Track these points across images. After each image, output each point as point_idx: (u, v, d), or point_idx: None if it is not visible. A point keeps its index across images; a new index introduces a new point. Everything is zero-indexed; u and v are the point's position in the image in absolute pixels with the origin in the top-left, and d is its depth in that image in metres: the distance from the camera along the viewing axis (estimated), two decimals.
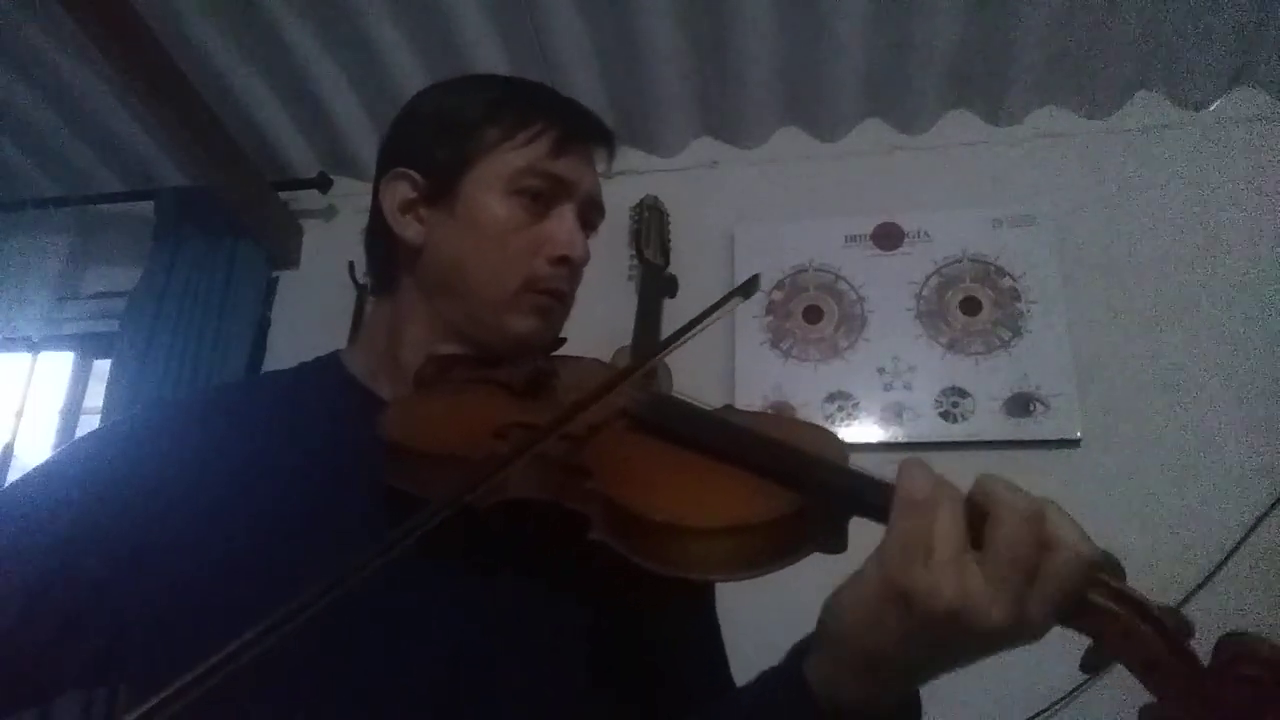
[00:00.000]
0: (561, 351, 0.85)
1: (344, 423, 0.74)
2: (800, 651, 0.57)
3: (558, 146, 0.78)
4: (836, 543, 0.56)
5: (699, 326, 0.68)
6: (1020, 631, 0.48)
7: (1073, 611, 0.49)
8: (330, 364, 0.85)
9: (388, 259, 0.83)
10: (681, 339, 0.68)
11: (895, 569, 0.48)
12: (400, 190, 0.80)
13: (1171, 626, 0.47)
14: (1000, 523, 0.48)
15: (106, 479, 0.71)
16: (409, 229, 0.80)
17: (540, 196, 0.78)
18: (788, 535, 0.54)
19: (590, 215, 0.83)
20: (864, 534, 0.54)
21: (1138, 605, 0.48)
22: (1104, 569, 0.50)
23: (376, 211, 0.82)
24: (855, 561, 0.52)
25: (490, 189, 0.78)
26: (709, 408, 0.71)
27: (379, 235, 0.83)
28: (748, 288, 0.72)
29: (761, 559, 0.53)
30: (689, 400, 0.72)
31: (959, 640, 0.48)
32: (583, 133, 0.82)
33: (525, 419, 0.66)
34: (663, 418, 0.65)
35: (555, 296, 0.80)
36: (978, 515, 0.49)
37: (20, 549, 0.67)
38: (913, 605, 0.47)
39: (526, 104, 0.80)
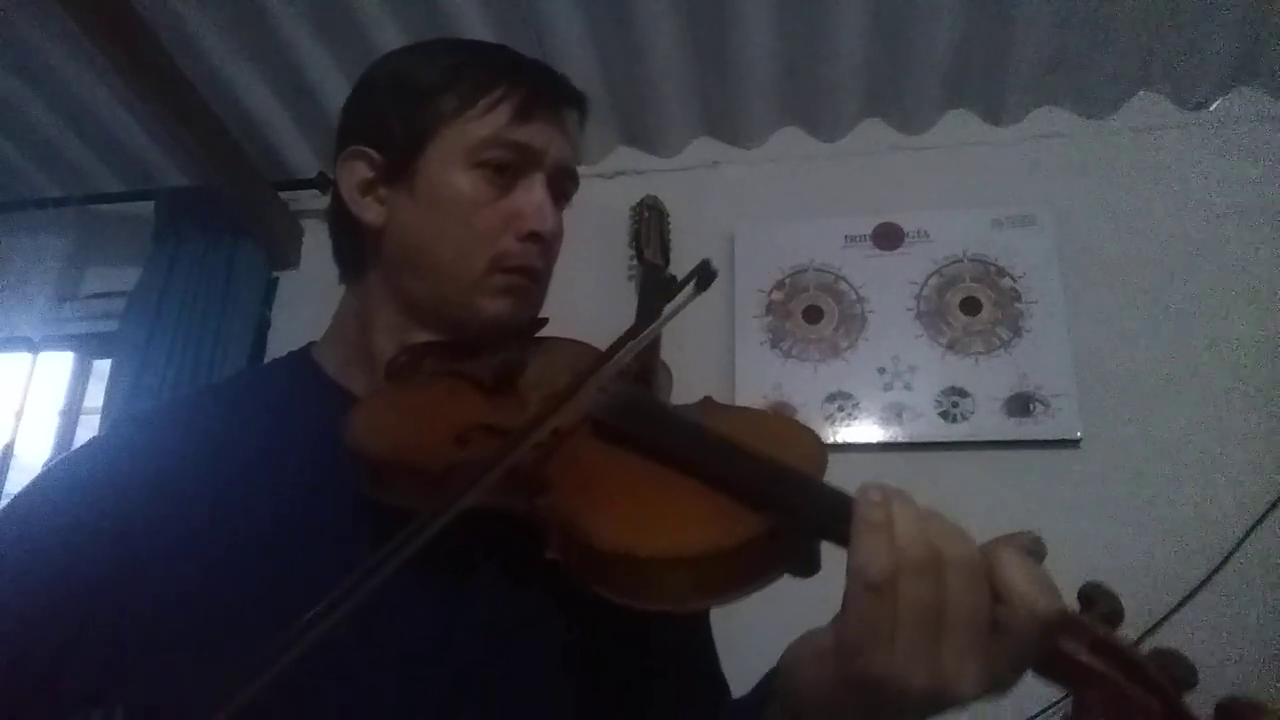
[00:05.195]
0: (544, 331, 0.81)
1: (317, 423, 0.70)
2: (762, 699, 0.55)
3: (522, 112, 0.73)
4: (807, 566, 0.52)
5: (657, 324, 0.63)
6: (997, 687, 0.46)
7: (1046, 666, 0.45)
8: (302, 359, 0.81)
9: (352, 243, 0.79)
10: (641, 338, 0.62)
11: (857, 659, 0.45)
12: (358, 170, 0.76)
13: (1166, 681, 0.43)
14: (949, 588, 0.44)
15: (90, 498, 0.68)
16: (369, 211, 0.76)
17: (506, 168, 0.73)
18: (752, 562, 0.50)
19: (562, 184, 0.78)
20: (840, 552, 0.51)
21: (1125, 659, 0.43)
22: (1092, 612, 0.46)
23: (337, 194, 0.78)
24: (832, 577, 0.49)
25: (451, 163, 0.73)
26: (685, 406, 0.69)
27: (341, 218, 0.78)
28: (704, 279, 0.63)
29: (722, 588, 0.49)
30: (661, 402, 0.68)
31: (932, 709, 0.46)
32: (549, 95, 0.76)
33: (490, 420, 0.63)
34: (628, 425, 0.61)
35: (527, 275, 0.75)
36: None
37: (12, 579, 0.65)
38: (880, 691, 0.45)
39: (486, 67, 0.75)
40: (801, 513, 0.50)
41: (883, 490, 0.48)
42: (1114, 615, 0.45)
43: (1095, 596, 0.46)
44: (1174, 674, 0.43)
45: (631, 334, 0.63)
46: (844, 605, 0.46)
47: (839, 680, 0.46)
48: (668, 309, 0.63)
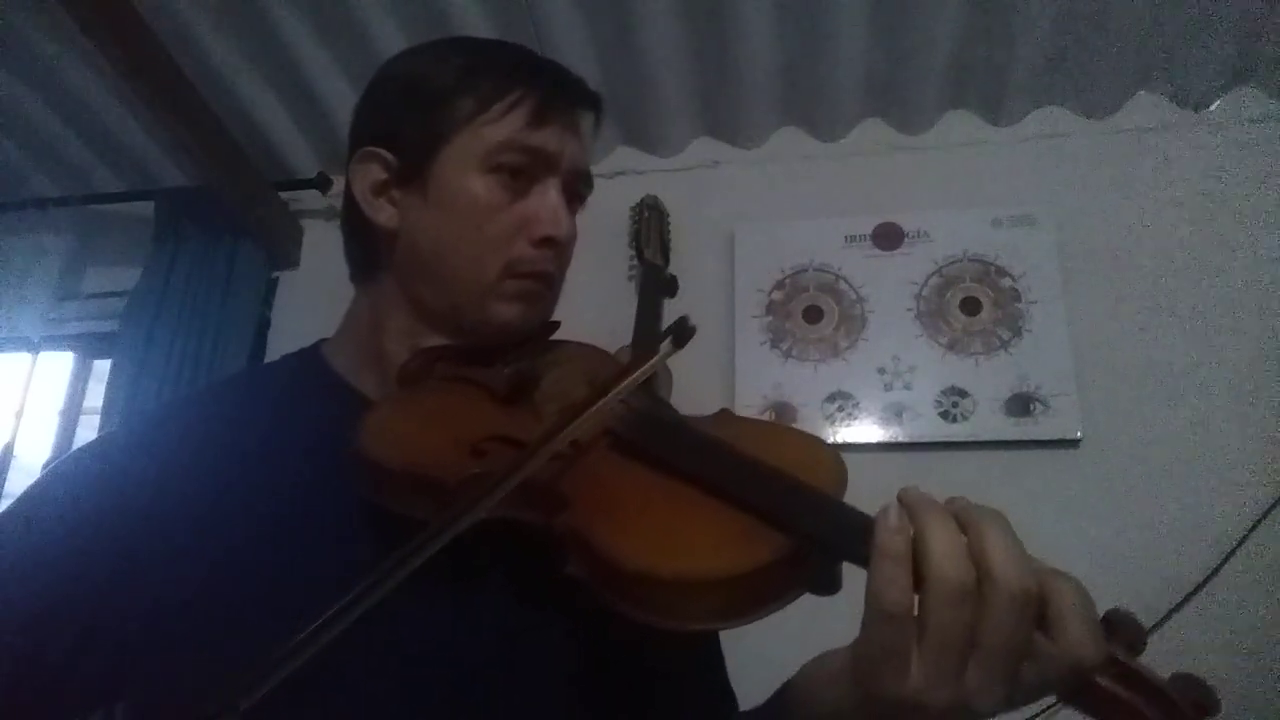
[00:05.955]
0: (557, 336, 0.81)
1: (324, 422, 0.69)
2: (774, 715, 0.54)
3: (537, 116, 0.73)
4: (828, 585, 0.51)
5: (638, 376, 0.60)
6: (1012, 706, 0.45)
7: (1071, 695, 0.45)
8: (312, 358, 0.81)
9: (364, 245, 0.79)
10: (620, 390, 0.59)
11: (875, 683, 0.44)
12: (371, 172, 0.76)
13: (1188, 709, 0.42)
14: (992, 609, 0.43)
15: (99, 497, 0.68)
16: (382, 213, 0.75)
17: (520, 172, 0.73)
18: (773, 583, 0.50)
19: (577, 187, 0.78)
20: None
21: (1149, 687, 0.43)
22: (1117, 639, 0.45)
23: (349, 194, 0.78)
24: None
25: (465, 167, 0.72)
26: (702, 418, 0.68)
27: (353, 220, 0.78)
28: (680, 335, 0.60)
29: (743, 609, 0.49)
30: (678, 416, 0.68)
31: None
32: (565, 99, 0.76)
33: (506, 431, 0.63)
34: (648, 441, 0.60)
35: (541, 280, 0.75)
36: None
37: (18, 579, 0.65)
38: (898, 710, 0.44)
39: (501, 70, 0.74)
40: (823, 534, 0.50)
41: (909, 510, 0.45)
42: (1137, 642, 0.45)
43: (1119, 624, 0.46)
44: (1196, 700, 0.43)
45: (630, 368, 0.61)
46: (862, 627, 0.45)
47: (857, 700, 0.46)
48: (650, 361, 0.60)
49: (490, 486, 0.53)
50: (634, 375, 0.59)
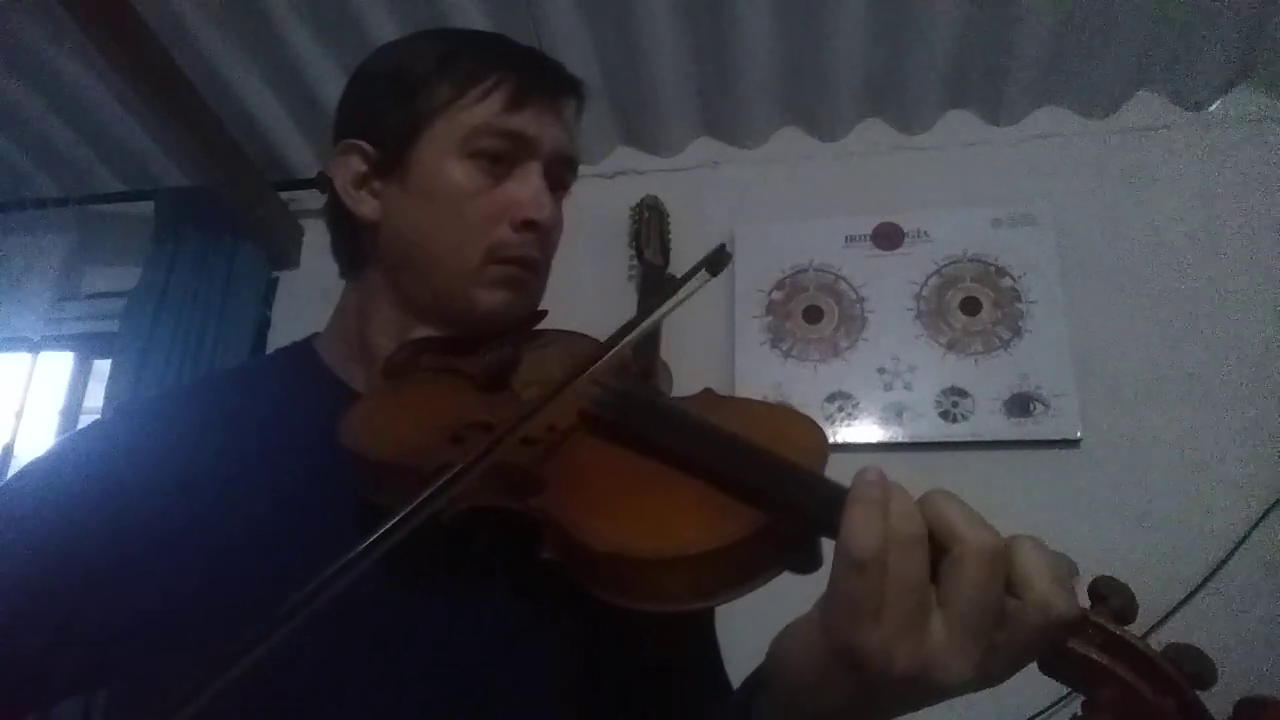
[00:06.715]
0: (545, 325, 0.80)
1: (316, 417, 0.67)
2: (751, 691, 0.54)
3: (515, 100, 0.72)
4: (807, 563, 0.51)
5: (663, 310, 0.60)
6: (986, 681, 0.44)
7: (1055, 665, 0.43)
8: (304, 353, 0.81)
9: (349, 239, 0.78)
10: (642, 327, 0.60)
11: (843, 634, 0.43)
12: (351, 164, 0.75)
13: (1180, 679, 0.40)
14: (962, 565, 0.43)
15: (86, 485, 0.67)
16: (363, 205, 0.75)
17: (500, 157, 0.72)
18: (749, 560, 0.49)
19: (560, 173, 0.77)
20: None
21: (1138, 656, 0.41)
22: (1103, 607, 0.44)
23: (332, 189, 0.77)
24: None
25: (444, 153, 0.72)
26: (685, 398, 0.68)
27: (337, 214, 0.78)
28: (715, 262, 0.61)
29: (717, 587, 0.48)
30: (658, 397, 0.67)
31: (917, 695, 0.44)
32: (543, 83, 0.75)
33: (485, 417, 0.62)
34: (624, 421, 0.60)
35: (524, 265, 0.74)
36: (935, 548, 0.44)
37: (6, 563, 0.64)
38: (866, 668, 0.43)
39: (478, 56, 0.74)
40: (798, 508, 0.49)
41: (881, 473, 0.46)
42: (1126, 610, 0.43)
43: (1107, 591, 0.44)
44: (1189, 671, 0.41)
45: (634, 322, 0.61)
46: (830, 580, 0.45)
47: (827, 656, 0.45)
48: (680, 291, 0.61)
49: (463, 468, 0.52)
50: (666, 306, 0.58)
